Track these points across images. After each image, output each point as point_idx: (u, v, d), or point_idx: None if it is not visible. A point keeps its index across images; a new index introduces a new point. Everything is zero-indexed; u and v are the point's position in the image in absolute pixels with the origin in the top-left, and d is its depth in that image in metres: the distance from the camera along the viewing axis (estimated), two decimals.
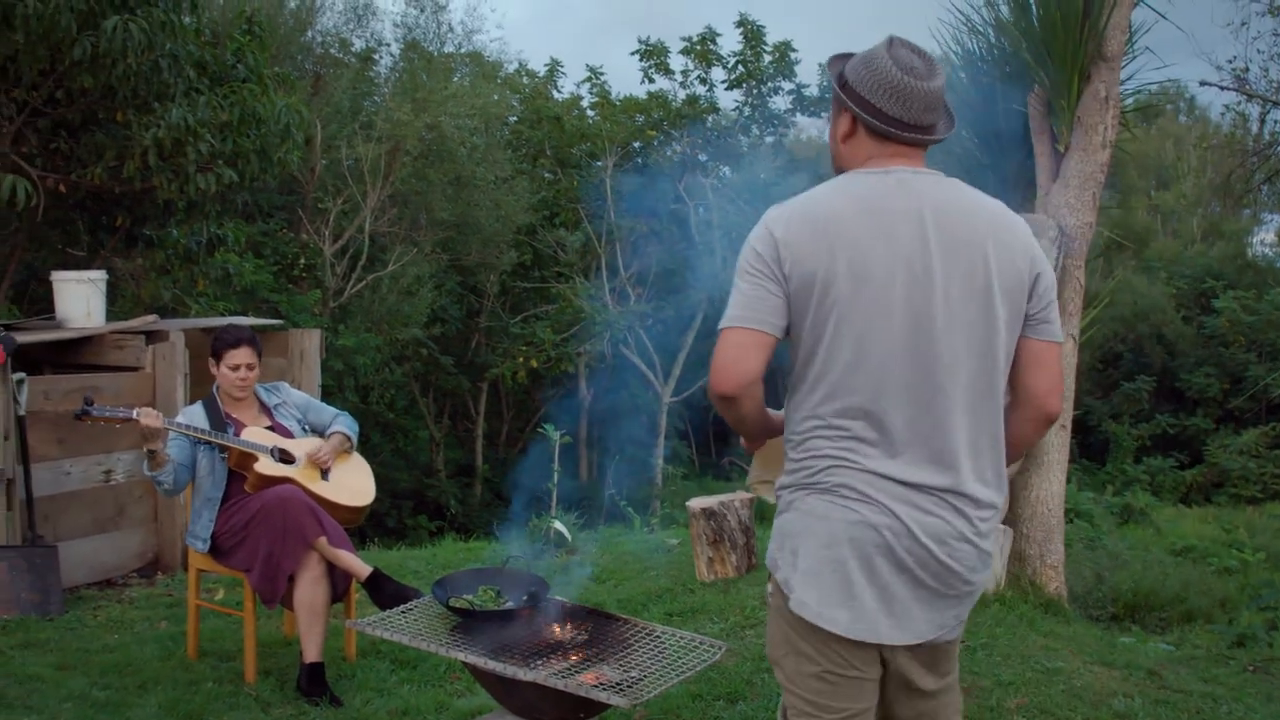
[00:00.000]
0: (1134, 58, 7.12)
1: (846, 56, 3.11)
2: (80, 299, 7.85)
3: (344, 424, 6.06)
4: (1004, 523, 6.63)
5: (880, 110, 2.95)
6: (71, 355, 7.96)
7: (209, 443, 5.63)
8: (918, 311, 2.85)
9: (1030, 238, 3.05)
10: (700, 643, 4.41)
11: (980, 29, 7.40)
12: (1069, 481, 7.34)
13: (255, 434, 5.71)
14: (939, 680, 3.14)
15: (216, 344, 5.79)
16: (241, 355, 5.74)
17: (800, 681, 3.03)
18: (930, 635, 2.97)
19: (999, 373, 2.95)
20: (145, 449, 5.41)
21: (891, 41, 3.01)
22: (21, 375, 6.99)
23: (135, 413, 5.37)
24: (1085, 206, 6.71)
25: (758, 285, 2.90)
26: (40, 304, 10.55)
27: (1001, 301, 2.91)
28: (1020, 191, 7.29)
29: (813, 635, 2.97)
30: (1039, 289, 2.99)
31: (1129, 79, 7.10)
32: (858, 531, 2.87)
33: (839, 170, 3.11)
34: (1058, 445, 6.82)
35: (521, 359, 22.26)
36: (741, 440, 3.37)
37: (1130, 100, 7.34)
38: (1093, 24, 6.60)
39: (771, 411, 3.12)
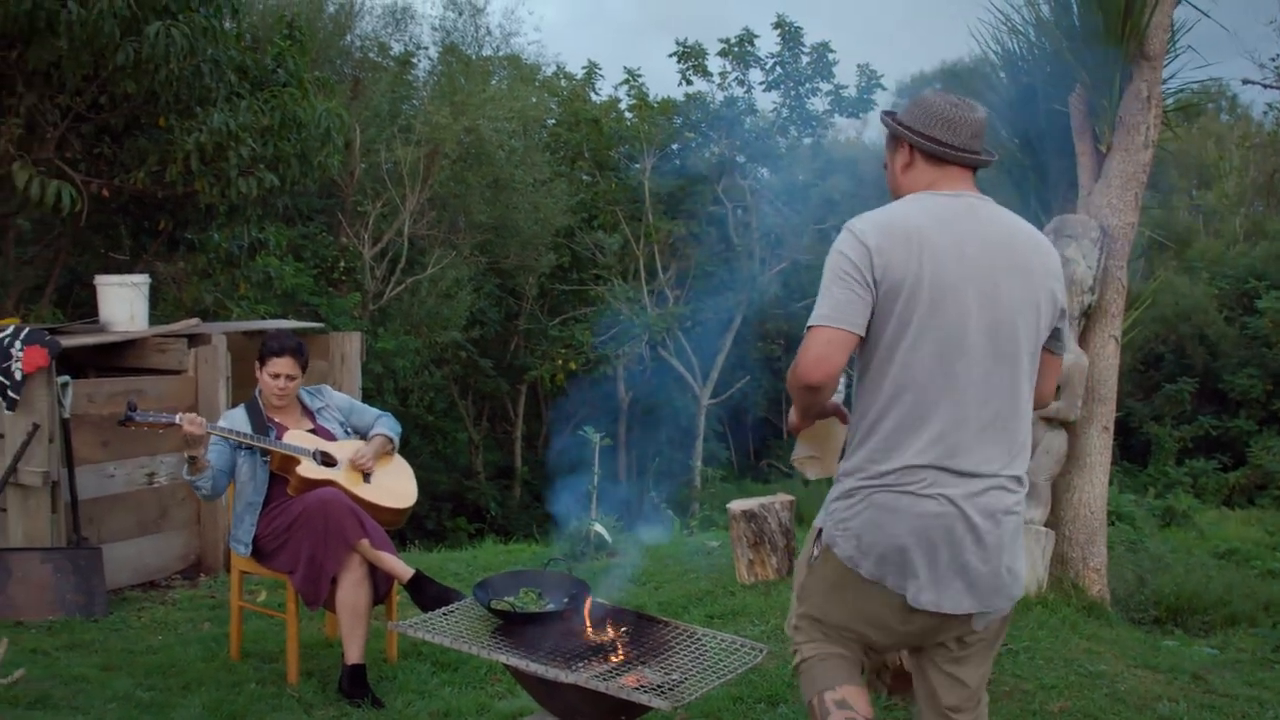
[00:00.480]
0: (1176, 56, 7.07)
1: (892, 113, 3.58)
2: (124, 303, 7.91)
3: (386, 426, 6.08)
4: (1046, 525, 6.59)
5: (936, 138, 3.41)
6: (115, 358, 8.02)
7: (251, 447, 5.66)
8: (987, 324, 3.27)
9: (1060, 267, 3.50)
10: (741, 645, 4.40)
11: (1021, 29, 7.37)
12: (1110, 484, 7.29)
13: (297, 437, 5.74)
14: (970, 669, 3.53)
15: (262, 350, 5.83)
16: (283, 365, 5.77)
17: (831, 610, 3.48)
18: (976, 608, 3.35)
19: (1032, 379, 3.43)
20: (186, 454, 5.45)
21: (937, 90, 3.57)
22: (66, 379, 7.05)
23: (178, 418, 5.40)
24: (1127, 207, 6.67)
25: (848, 289, 3.24)
26: (83, 308, 10.65)
27: (1042, 320, 3.39)
28: (1061, 192, 7.25)
29: (870, 588, 3.37)
30: (1064, 314, 3.50)
31: (1171, 78, 7.05)
32: (921, 522, 3.25)
33: (898, 199, 3.50)
34: (1100, 447, 6.77)
35: (560, 361, 22.29)
36: (790, 418, 3.71)
37: (1171, 99, 7.28)
38: (1134, 23, 6.56)
39: None
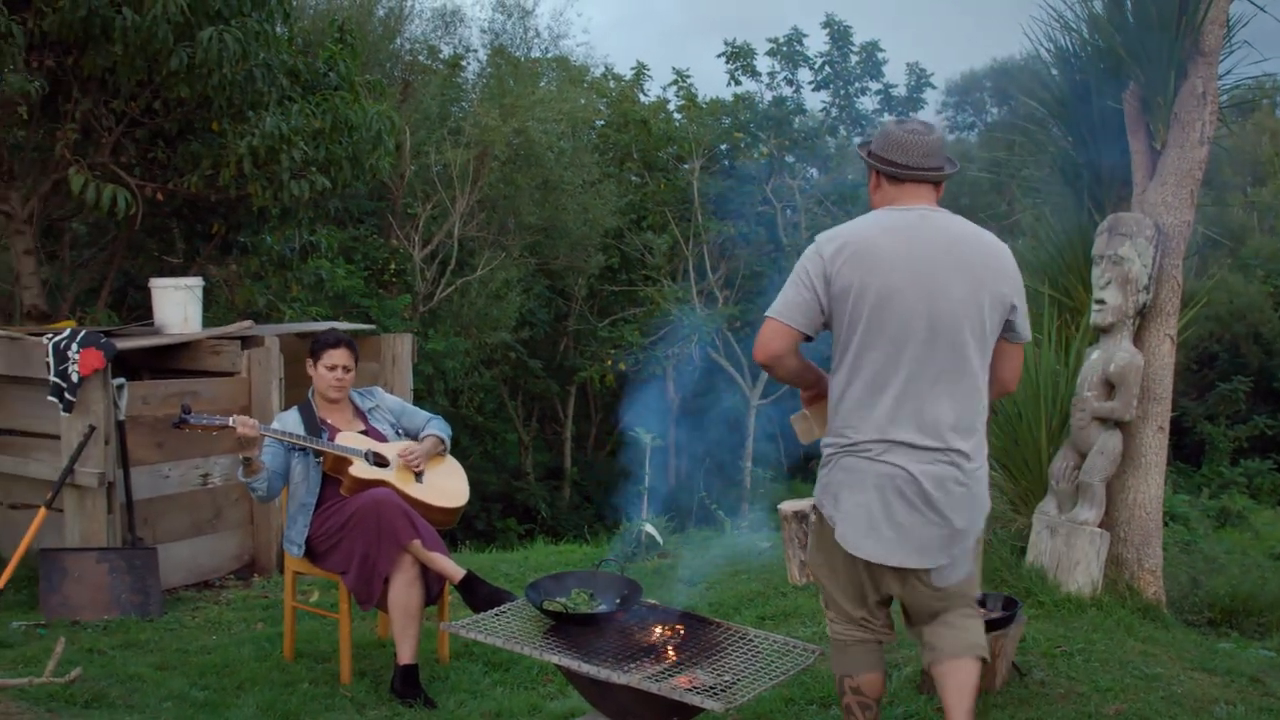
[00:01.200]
0: (1231, 52, 6.98)
1: (866, 143, 4.21)
2: (178, 305, 7.98)
3: (437, 427, 6.11)
4: (1100, 526, 6.53)
5: (891, 160, 4.05)
6: (169, 361, 8.10)
7: (304, 448, 5.70)
8: (933, 317, 3.88)
9: (1013, 267, 4.08)
10: (794, 647, 4.40)
11: (1074, 25, 7.30)
12: (1164, 484, 7.20)
13: (350, 438, 5.77)
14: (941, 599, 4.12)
15: (315, 345, 5.88)
16: (339, 356, 5.82)
17: (831, 579, 4.18)
18: (925, 564, 3.99)
19: (984, 365, 3.99)
20: (241, 456, 5.49)
21: (899, 118, 4.27)
22: (121, 380, 7.12)
23: (231, 420, 5.45)
24: (1182, 204, 6.59)
25: (799, 292, 3.97)
26: (138, 311, 10.75)
27: (989, 314, 3.95)
28: (1115, 190, 7.19)
29: (841, 552, 4.04)
30: (1015, 309, 4.04)
31: (1226, 74, 6.96)
32: (878, 481, 3.91)
33: None
34: (1155, 447, 6.70)
35: (609, 362, 22.28)
36: (801, 394, 4.33)
37: (1226, 95, 7.20)
38: (1189, 18, 6.49)
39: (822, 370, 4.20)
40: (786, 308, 3.95)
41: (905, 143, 4.04)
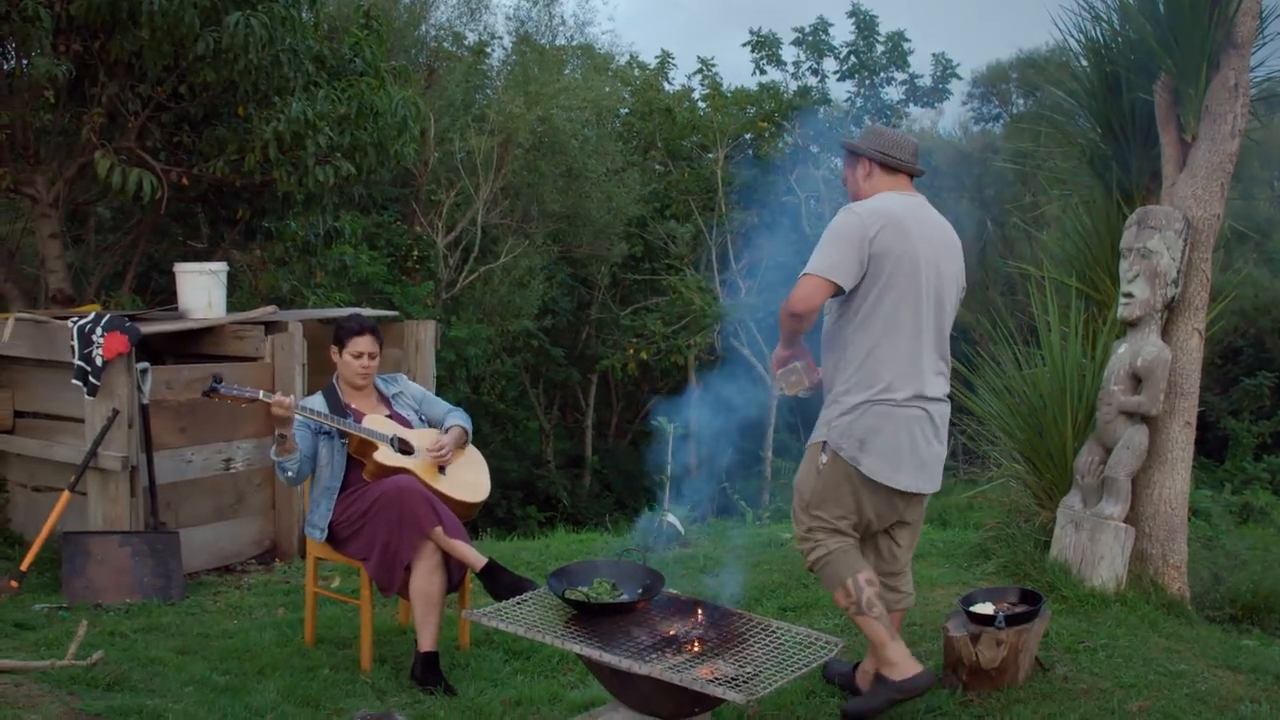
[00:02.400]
0: (1264, 44, 6.91)
1: (851, 142, 5.02)
2: (202, 290, 7.99)
3: (459, 418, 6.11)
4: (1125, 521, 6.49)
5: (893, 155, 4.88)
6: (192, 345, 8.11)
7: (334, 429, 5.70)
8: (935, 288, 4.75)
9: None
10: (816, 639, 4.39)
11: (1104, 15, 7.24)
12: None
13: (376, 422, 5.77)
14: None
15: (340, 331, 5.87)
16: (365, 343, 5.83)
17: (837, 507, 4.77)
18: (932, 489, 4.88)
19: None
20: (276, 433, 5.50)
21: (883, 124, 5.45)
22: (145, 365, 7.14)
23: (261, 394, 5.48)
24: (1212, 198, 6.54)
25: (844, 252, 4.61)
26: (162, 295, 10.78)
27: (960, 288, 4.96)
28: (1144, 183, 7.13)
29: (867, 483, 4.73)
30: (964, 288, 5.03)
31: (1258, 66, 6.90)
32: (907, 423, 4.68)
33: (861, 200, 4.86)
34: (1181, 443, 6.65)
35: (631, 351, 22.25)
36: (776, 353, 5.03)
37: (1256, 89, 7.12)
38: (1222, 9, 6.42)
39: None
40: (830, 266, 4.59)
41: (902, 142, 4.91)
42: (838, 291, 4.62)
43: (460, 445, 6.00)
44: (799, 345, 4.91)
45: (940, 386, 4.81)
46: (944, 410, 4.85)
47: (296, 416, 5.60)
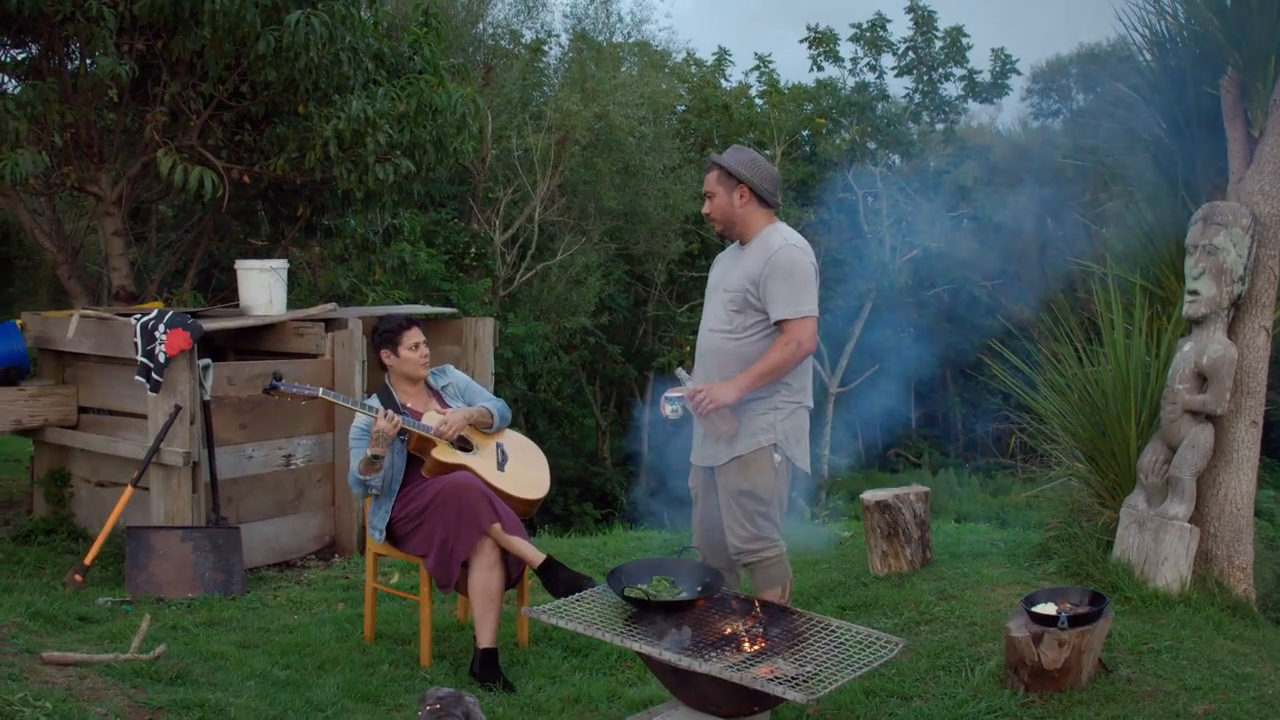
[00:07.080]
0: None
1: (721, 161, 5.37)
2: (263, 287, 8.04)
3: (489, 401, 6.09)
4: (1190, 521, 6.40)
5: (772, 192, 5.34)
6: (253, 342, 8.17)
7: (403, 430, 5.70)
8: None
9: None
10: (876, 639, 4.35)
11: (1169, 9, 7.14)
12: None
13: (434, 419, 5.78)
14: None
15: (388, 331, 5.87)
16: (417, 334, 5.88)
17: (782, 505, 5.34)
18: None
19: None
20: (369, 454, 5.51)
21: (751, 149, 5.51)
22: (207, 361, 7.20)
23: (320, 391, 5.52)
24: None
25: (813, 286, 5.27)
26: (223, 292, 10.86)
27: None
28: (1210, 179, 7.02)
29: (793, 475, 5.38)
30: None
31: None
32: (806, 423, 5.36)
33: (731, 223, 5.37)
34: (1248, 442, 6.55)
35: (688, 348, 22.22)
36: (734, 395, 5.22)
37: None
38: None
39: None
40: (814, 302, 5.24)
41: (776, 177, 5.38)
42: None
43: (472, 422, 5.95)
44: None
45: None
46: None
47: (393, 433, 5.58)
